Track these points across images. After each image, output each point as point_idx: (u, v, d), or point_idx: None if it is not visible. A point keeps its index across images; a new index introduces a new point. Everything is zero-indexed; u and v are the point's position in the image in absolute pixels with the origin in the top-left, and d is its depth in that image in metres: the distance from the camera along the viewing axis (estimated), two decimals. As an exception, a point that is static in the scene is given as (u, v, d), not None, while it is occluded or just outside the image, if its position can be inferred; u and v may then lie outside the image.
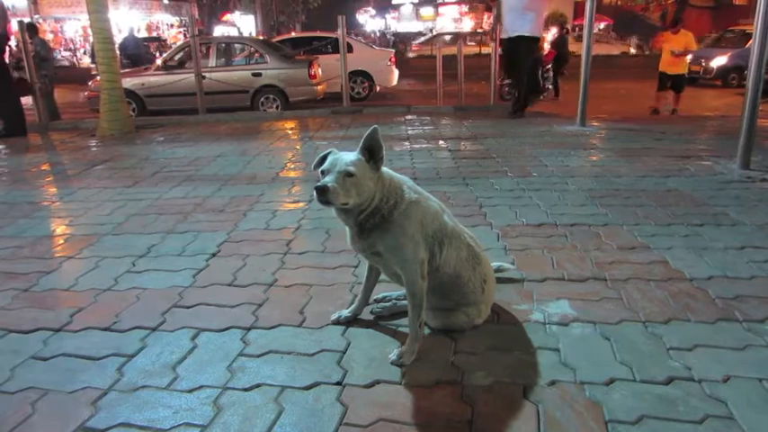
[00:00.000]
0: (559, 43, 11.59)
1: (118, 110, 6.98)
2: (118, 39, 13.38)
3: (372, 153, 1.70)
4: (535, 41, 7.38)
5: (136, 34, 17.07)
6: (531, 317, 2.05)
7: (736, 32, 16.07)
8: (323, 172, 1.69)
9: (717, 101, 11.11)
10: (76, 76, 15.48)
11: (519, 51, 7.06)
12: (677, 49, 8.77)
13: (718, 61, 14.19)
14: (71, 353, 1.90)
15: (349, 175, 1.64)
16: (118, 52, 7.72)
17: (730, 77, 14.04)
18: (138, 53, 14.59)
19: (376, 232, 1.75)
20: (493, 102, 8.53)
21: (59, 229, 3.31)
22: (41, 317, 2.17)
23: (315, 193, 1.63)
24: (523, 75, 7.25)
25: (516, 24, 6.95)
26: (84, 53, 24.96)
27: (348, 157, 1.69)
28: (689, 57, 9.16)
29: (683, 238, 2.80)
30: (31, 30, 8.68)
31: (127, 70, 10.26)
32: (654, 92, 9.23)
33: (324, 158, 1.74)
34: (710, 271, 2.39)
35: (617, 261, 2.53)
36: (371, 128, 1.69)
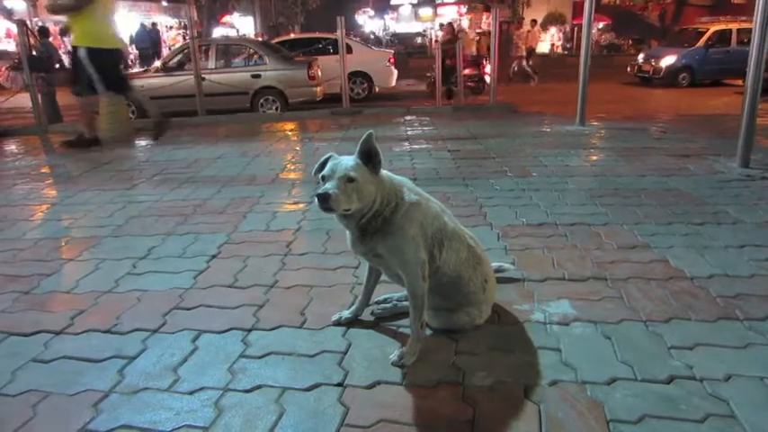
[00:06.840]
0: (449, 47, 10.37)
1: (117, 112, 6.98)
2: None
3: (369, 157, 1.69)
4: None
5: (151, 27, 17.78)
6: (531, 317, 2.05)
7: (690, 31, 15.33)
8: (323, 178, 1.67)
9: (715, 99, 11.10)
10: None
11: None
12: None
13: (667, 61, 13.61)
14: (72, 355, 1.90)
15: (350, 180, 1.63)
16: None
17: (680, 77, 13.44)
18: (156, 41, 14.90)
19: (377, 235, 1.74)
20: (492, 101, 8.54)
21: (60, 231, 3.31)
22: (42, 319, 2.17)
23: (317, 200, 1.61)
24: None
25: None
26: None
27: (348, 161, 1.67)
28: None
29: (683, 236, 2.80)
30: (42, 33, 8.76)
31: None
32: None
33: (323, 164, 1.73)
34: (711, 269, 2.39)
35: (617, 260, 2.53)
36: (366, 133, 1.69)
